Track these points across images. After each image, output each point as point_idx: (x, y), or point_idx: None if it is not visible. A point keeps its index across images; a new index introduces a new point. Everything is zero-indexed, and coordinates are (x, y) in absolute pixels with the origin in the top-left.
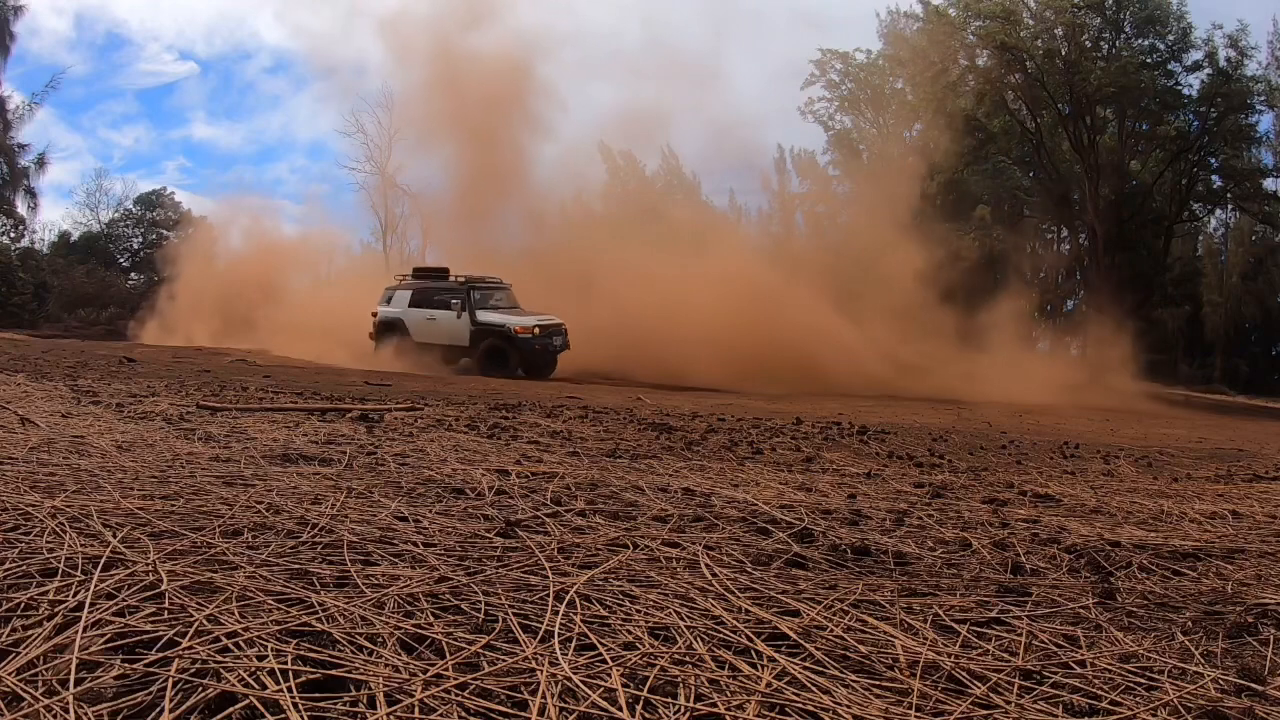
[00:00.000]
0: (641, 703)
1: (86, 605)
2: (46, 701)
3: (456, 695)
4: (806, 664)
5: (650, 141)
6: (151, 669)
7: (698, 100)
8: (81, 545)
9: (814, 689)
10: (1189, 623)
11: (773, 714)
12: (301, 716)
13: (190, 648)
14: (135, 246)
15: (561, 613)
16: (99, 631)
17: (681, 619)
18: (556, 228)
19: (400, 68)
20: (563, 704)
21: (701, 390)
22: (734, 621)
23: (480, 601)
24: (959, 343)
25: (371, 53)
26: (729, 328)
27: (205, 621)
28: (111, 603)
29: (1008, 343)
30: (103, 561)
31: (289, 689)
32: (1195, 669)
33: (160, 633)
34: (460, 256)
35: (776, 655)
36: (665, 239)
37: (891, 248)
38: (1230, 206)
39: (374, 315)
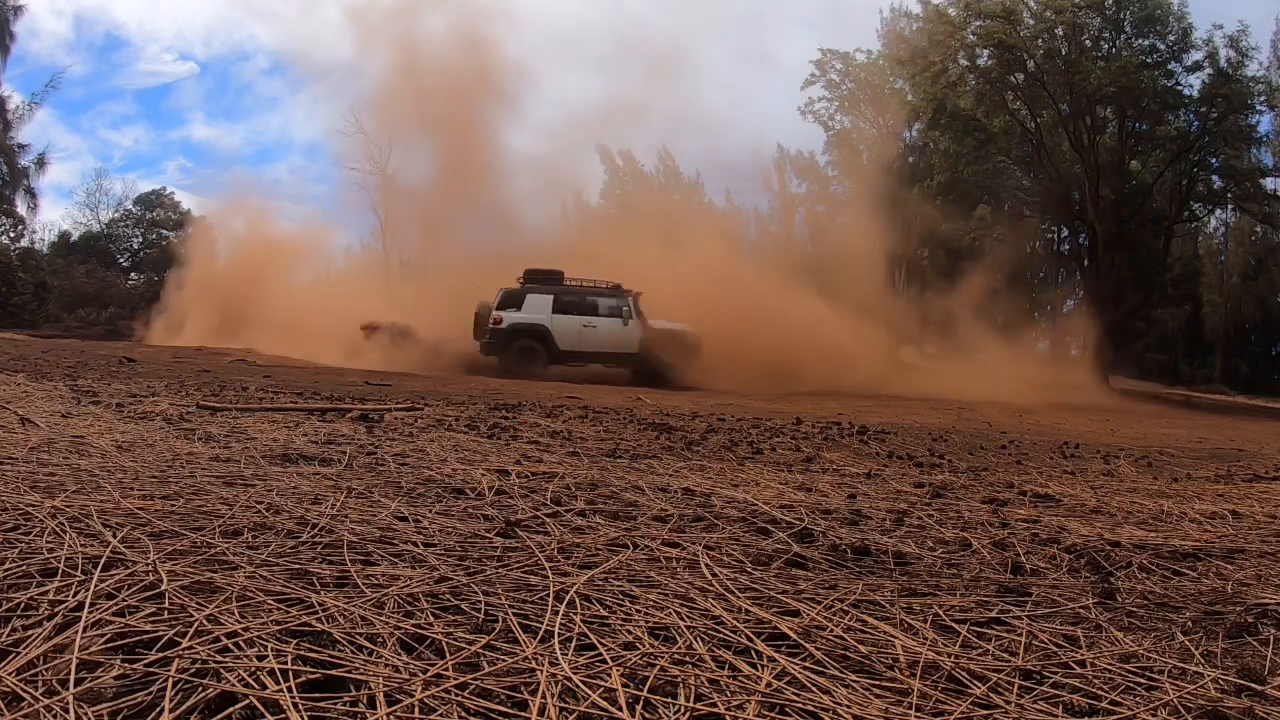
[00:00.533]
0: (641, 703)
1: (86, 605)
2: (46, 701)
3: (456, 695)
4: (806, 664)
5: (639, 139)
6: (151, 669)
7: (698, 100)
8: (81, 545)
9: (814, 689)
10: (1189, 623)
11: (773, 714)
12: (301, 716)
13: (190, 648)
14: (135, 246)
15: (561, 613)
16: (99, 631)
17: (681, 619)
18: (539, 224)
19: (370, 55)
20: (563, 704)
21: (687, 390)
22: (734, 621)
23: (480, 601)
24: (951, 344)
25: (355, 48)
26: (716, 328)
27: (205, 621)
28: (111, 603)
29: (995, 343)
30: (103, 561)
31: (289, 689)
32: (1195, 669)
33: (160, 633)
34: (446, 253)
35: (776, 655)
36: (652, 236)
37: (878, 246)
38: (1230, 206)
39: (496, 322)
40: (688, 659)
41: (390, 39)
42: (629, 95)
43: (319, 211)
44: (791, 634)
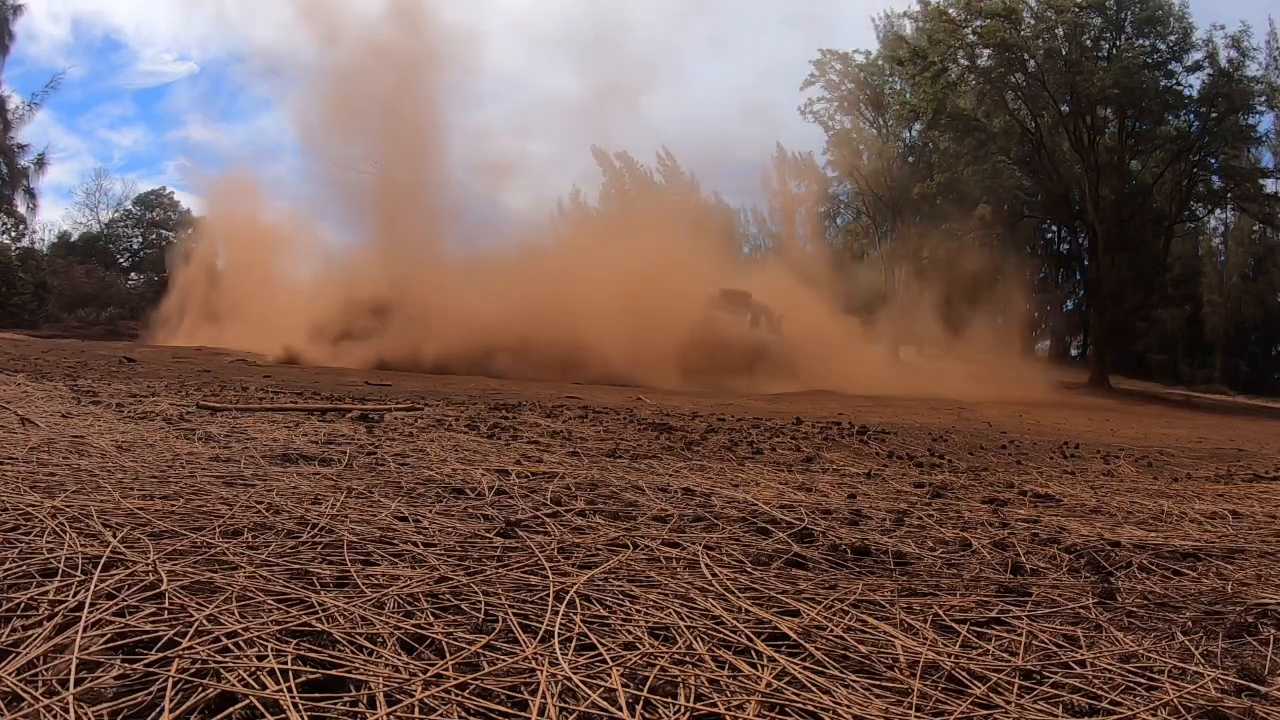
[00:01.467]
0: (641, 703)
1: (86, 605)
2: (46, 701)
3: (456, 695)
4: (806, 664)
5: (620, 135)
6: (151, 669)
7: (696, 97)
8: (81, 545)
9: (814, 689)
10: (1189, 623)
11: (773, 714)
12: (301, 716)
13: (190, 648)
14: (135, 246)
15: (561, 613)
16: (99, 631)
17: (681, 619)
18: (494, 216)
19: (320, 41)
20: (563, 704)
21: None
22: (734, 621)
23: (480, 601)
24: (950, 343)
25: (313, 43)
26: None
27: (205, 621)
28: (111, 603)
29: (995, 343)
30: (103, 561)
31: (289, 689)
32: (1195, 669)
33: (160, 633)
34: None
35: (776, 655)
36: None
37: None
38: (1230, 207)
39: None
40: (688, 659)
41: (346, 31)
42: (609, 89)
43: (315, 210)
44: (791, 634)
